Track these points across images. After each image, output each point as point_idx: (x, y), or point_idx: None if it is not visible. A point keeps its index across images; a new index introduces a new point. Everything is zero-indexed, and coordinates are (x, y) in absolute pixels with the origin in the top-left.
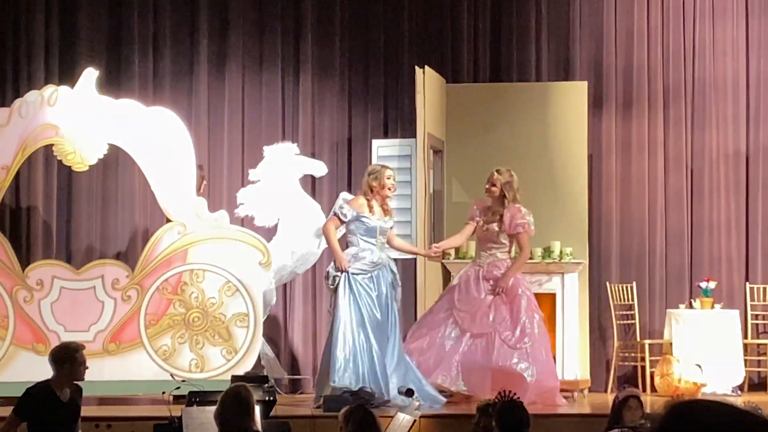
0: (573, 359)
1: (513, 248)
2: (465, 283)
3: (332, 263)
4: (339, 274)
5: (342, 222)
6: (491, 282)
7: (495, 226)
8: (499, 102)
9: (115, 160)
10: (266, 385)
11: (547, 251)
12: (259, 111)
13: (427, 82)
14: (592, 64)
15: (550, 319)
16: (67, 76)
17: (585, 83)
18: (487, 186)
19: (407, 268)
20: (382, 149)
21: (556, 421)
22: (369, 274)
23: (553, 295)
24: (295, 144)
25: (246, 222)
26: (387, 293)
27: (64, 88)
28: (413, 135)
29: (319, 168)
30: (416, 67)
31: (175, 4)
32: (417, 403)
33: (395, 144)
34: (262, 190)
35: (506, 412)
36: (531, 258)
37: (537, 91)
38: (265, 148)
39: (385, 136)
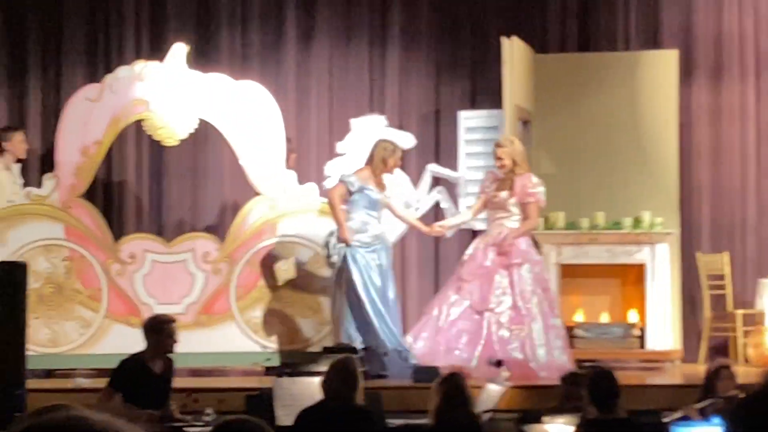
0: (664, 330)
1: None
2: (474, 251)
3: (332, 234)
4: (342, 246)
5: (349, 192)
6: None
7: (505, 194)
8: (587, 72)
9: (205, 134)
10: (356, 356)
11: (637, 221)
12: (347, 83)
13: (514, 52)
14: (681, 32)
15: (640, 289)
16: (157, 51)
17: (675, 52)
18: (496, 164)
19: None
20: (469, 121)
21: (647, 391)
22: (372, 248)
23: (642, 266)
24: (383, 116)
25: None
26: (387, 266)
27: (153, 63)
28: (500, 106)
29: (406, 140)
30: (503, 38)
31: None
32: (506, 374)
33: (482, 115)
34: (350, 162)
35: (597, 381)
36: (536, 229)
37: (626, 61)
38: (352, 120)
39: (472, 107)
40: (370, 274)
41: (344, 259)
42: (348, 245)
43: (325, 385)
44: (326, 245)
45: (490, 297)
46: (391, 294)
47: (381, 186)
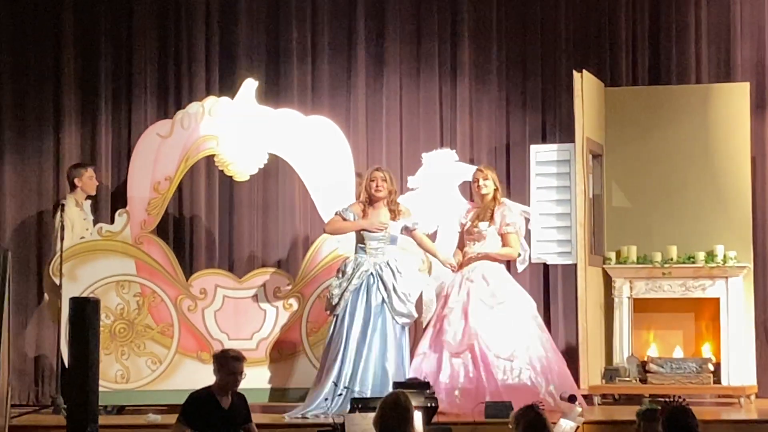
0: (739, 365)
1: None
2: (450, 288)
3: (333, 285)
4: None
5: (344, 219)
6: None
7: (485, 224)
8: (658, 105)
9: (275, 169)
10: (428, 391)
11: (711, 255)
12: (417, 118)
13: (585, 86)
14: (754, 64)
15: (714, 324)
16: (227, 87)
17: (747, 84)
18: (479, 183)
19: (568, 274)
20: (540, 154)
21: (722, 426)
22: (344, 289)
23: (717, 300)
24: (454, 150)
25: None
26: (365, 299)
27: (224, 99)
28: (572, 139)
29: None
30: (574, 71)
31: (332, 13)
32: (579, 409)
33: (553, 149)
34: (421, 197)
35: (674, 418)
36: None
37: (697, 94)
38: (423, 155)
39: (543, 141)
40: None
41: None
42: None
43: (378, 422)
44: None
45: (467, 336)
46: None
47: (395, 214)
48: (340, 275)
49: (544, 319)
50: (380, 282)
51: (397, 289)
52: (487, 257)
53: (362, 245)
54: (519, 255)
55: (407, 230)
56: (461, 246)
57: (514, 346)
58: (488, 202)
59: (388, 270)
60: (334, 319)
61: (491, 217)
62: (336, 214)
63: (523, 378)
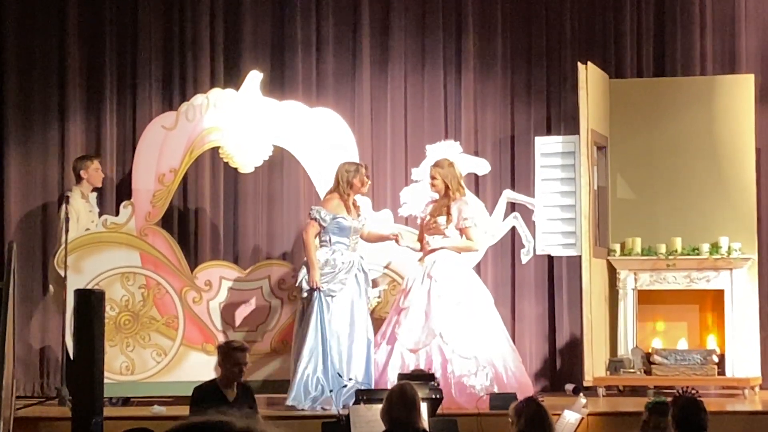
0: (744, 356)
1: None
2: (411, 282)
3: (303, 271)
4: (312, 290)
5: (322, 227)
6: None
7: (443, 219)
8: (663, 97)
9: (280, 161)
10: (432, 382)
11: (715, 247)
12: (422, 109)
13: (590, 77)
14: (759, 55)
15: (719, 315)
16: (232, 79)
17: (751, 76)
18: (429, 182)
19: (572, 266)
20: (545, 146)
21: (727, 417)
22: (337, 281)
23: (721, 292)
24: (458, 142)
25: (410, 221)
26: (356, 294)
27: (229, 91)
28: (576, 131)
29: (482, 166)
30: (579, 63)
31: (337, 5)
32: (584, 401)
33: (558, 141)
34: (424, 188)
35: (685, 409)
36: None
37: (702, 85)
38: (427, 146)
39: (548, 132)
40: (330, 318)
41: (310, 300)
42: (315, 289)
43: (385, 413)
44: (298, 284)
45: (422, 332)
46: (359, 326)
47: (355, 208)
48: (327, 267)
49: (549, 311)
50: (363, 274)
51: (369, 282)
52: (447, 248)
53: (345, 239)
54: (478, 249)
55: None
56: (421, 239)
57: (474, 345)
58: (442, 199)
59: (363, 261)
60: (318, 310)
61: (448, 212)
62: (312, 219)
63: (480, 377)
